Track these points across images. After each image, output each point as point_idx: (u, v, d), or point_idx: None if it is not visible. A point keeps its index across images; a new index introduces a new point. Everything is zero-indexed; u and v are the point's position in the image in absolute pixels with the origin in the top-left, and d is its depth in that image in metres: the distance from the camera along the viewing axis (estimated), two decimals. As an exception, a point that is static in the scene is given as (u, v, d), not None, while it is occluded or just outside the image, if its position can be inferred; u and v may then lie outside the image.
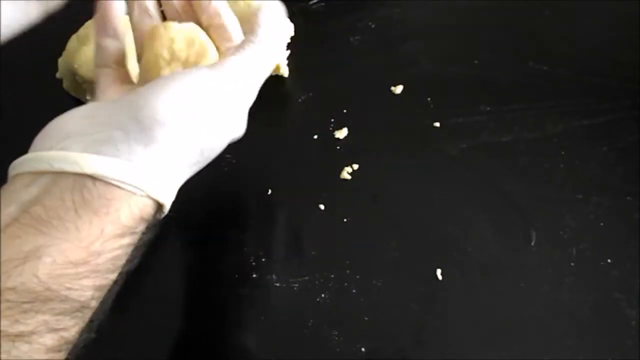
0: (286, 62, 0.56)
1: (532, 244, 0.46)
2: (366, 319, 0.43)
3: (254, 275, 0.45)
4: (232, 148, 0.52)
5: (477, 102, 0.54)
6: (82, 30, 0.54)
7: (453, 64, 0.57)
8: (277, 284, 0.45)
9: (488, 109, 0.54)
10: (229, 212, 0.48)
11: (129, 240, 0.32)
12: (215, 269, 0.46)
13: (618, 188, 0.49)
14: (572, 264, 0.45)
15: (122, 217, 0.31)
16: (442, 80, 0.56)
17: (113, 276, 0.32)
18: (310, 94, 0.56)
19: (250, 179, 0.50)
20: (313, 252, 0.46)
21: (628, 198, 0.48)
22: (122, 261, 0.32)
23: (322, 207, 0.48)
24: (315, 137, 0.52)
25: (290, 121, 0.55)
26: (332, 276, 0.45)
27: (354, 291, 0.44)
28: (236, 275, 0.46)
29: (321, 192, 0.49)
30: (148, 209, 0.33)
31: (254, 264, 0.46)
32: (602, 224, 0.47)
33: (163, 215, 0.34)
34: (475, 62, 0.57)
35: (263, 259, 0.46)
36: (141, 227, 0.33)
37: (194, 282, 0.46)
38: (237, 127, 0.37)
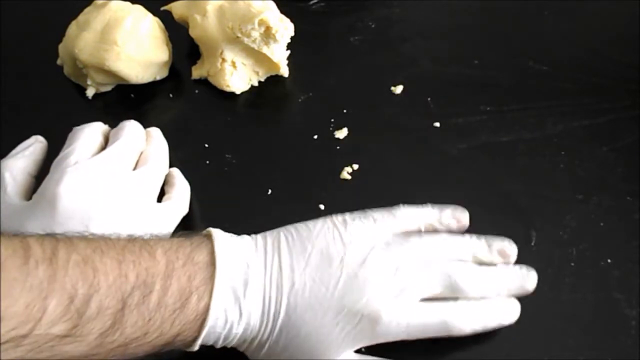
0: (286, 62, 0.56)
1: (532, 244, 0.46)
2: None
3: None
4: (232, 148, 0.52)
5: (477, 102, 0.54)
6: (81, 17, 0.54)
7: (453, 64, 0.57)
8: (277, 284, 0.45)
9: (488, 109, 0.54)
10: (229, 212, 0.47)
11: None
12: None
13: (618, 188, 0.49)
14: (572, 264, 0.45)
15: None
16: (442, 80, 0.56)
17: None
18: (310, 94, 0.56)
19: (250, 179, 0.50)
20: (313, 252, 0.46)
21: (628, 198, 0.48)
22: None
23: (322, 207, 0.48)
24: (315, 137, 0.52)
25: (290, 121, 0.54)
26: (332, 276, 0.45)
27: (354, 291, 0.44)
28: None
29: (321, 192, 0.49)
30: None
31: (254, 264, 0.46)
32: (602, 224, 0.47)
33: None
34: (475, 62, 0.57)
35: (263, 259, 0.46)
36: None
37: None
38: None
